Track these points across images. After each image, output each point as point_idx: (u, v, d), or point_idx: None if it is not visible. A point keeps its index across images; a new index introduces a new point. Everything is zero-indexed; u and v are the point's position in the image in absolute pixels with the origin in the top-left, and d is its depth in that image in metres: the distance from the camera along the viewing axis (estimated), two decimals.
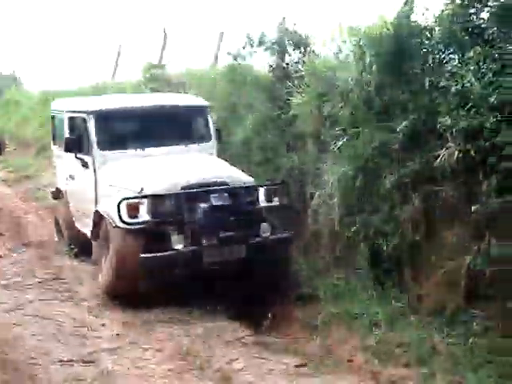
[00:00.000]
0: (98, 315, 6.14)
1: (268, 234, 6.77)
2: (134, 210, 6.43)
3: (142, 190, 6.67)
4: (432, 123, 6.07)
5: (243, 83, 9.47)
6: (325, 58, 8.06)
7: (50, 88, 20.08)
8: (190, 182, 6.73)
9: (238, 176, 7.09)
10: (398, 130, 6.21)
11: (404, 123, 6.15)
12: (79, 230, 8.19)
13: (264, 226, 6.76)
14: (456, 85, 5.72)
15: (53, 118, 9.34)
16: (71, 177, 8.42)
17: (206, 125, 8.19)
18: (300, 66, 8.40)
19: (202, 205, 6.46)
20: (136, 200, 6.51)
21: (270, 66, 8.87)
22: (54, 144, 9.36)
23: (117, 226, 6.48)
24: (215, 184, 6.75)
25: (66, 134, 8.19)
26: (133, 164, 7.39)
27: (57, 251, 8.80)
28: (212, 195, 6.52)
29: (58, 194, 9.13)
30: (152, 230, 6.49)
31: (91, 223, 7.22)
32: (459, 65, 5.96)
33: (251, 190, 6.94)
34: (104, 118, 7.65)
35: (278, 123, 8.53)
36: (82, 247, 8.16)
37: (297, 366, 5.19)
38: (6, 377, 4.61)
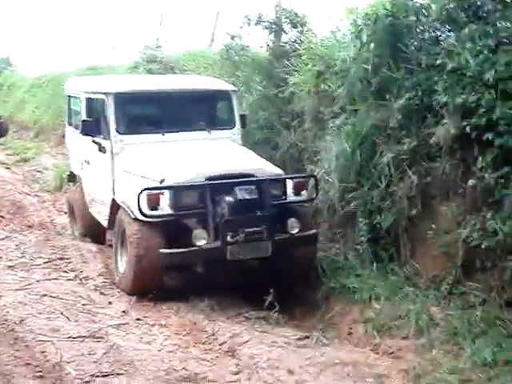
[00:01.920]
0: (104, 293, 6.24)
1: (296, 230, 6.34)
2: (154, 202, 6.02)
3: (163, 180, 6.25)
4: (428, 101, 6.19)
5: (240, 63, 9.54)
6: (322, 36, 8.15)
7: (45, 71, 20.09)
8: (214, 172, 6.27)
9: (265, 167, 6.62)
10: (394, 107, 6.33)
11: (401, 101, 6.26)
12: (93, 217, 7.94)
13: (292, 221, 6.34)
14: (452, 62, 5.82)
15: (68, 97, 8.84)
16: (87, 161, 8.00)
17: (231, 110, 7.68)
18: (297, 45, 8.50)
19: (228, 198, 6.07)
20: (157, 191, 6.10)
21: (268, 45, 8.94)
22: (70, 125, 8.92)
23: (136, 219, 6.08)
24: (241, 176, 6.31)
25: (84, 116, 7.70)
26: (153, 151, 6.95)
27: (59, 232, 8.94)
28: (238, 188, 6.09)
29: (72, 179, 8.86)
30: (173, 223, 6.15)
31: (107, 212, 6.92)
32: (455, 42, 6.04)
33: (279, 182, 6.50)
34: (124, 100, 7.18)
35: (275, 102, 8.61)
36: (95, 234, 8.05)
37: (299, 339, 5.33)
38: (19, 353, 4.72)
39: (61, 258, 7.22)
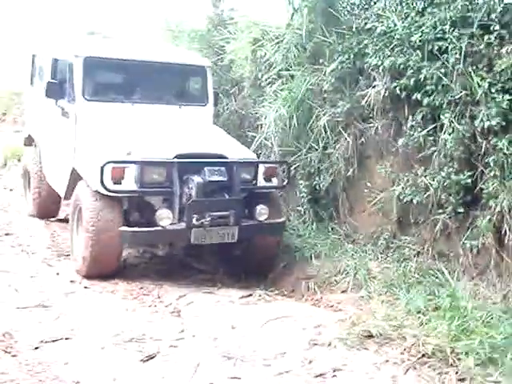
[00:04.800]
0: (51, 265, 6.30)
1: (264, 217, 6.10)
2: (118, 176, 5.58)
3: (129, 153, 5.81)
4: (360, 64, 6.39)
5: (179, 32, 9.57)
6: (257, 3, 8.25)
7: None
8: (185, 151, 5.88)
9: (237, 150, 6.32)
10: (328, 71, 6.51)
11: (333, 65, 6.45)
12: (50, 186, 7.51)
13: (260, 208, 6.09)
14: (381, 26, 6.01)
15: (33, 57, 8.29)
16: (47, 125, 7.43)
17: (205, 86, 7.26)
18: (233, 13, 8.59)
19: (196, 178, 5.75)
20: (123, 164, 5.66)
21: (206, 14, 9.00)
22: (31, 84, 8.39)
23: (97, 192, 5.68)
24: (212, 156, 6.01)
25: (48, 78, 7.07)
26: (121, 121, 6.49)
27: (5, 209, 8.86)
28: (207, 168, 5.78)
29: (29, 142, 8.25)
30: (136, 200, 5.80)
31: (66, 181, 6.51)
32: (384, 6, 6.24)
33: (250, 166, 6.17)
34: (94, 65, 6.63)
35: (215, 70, 8.68)
36: (50, 205, 7.83)
37: (242, 297, 5.53)
38: None
39: (7, 234, 7.26)
